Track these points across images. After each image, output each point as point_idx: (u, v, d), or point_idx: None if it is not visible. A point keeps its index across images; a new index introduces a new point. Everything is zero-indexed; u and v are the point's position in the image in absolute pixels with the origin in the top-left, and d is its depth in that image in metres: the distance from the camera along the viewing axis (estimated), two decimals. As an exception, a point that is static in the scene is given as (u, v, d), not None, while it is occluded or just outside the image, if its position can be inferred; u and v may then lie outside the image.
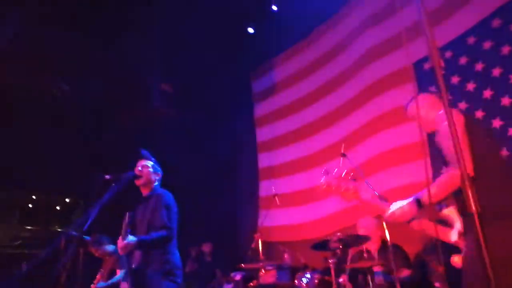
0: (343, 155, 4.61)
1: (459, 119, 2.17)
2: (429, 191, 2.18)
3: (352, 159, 4.69)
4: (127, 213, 3.22)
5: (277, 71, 7.88)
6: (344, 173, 2.52)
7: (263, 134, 7.91)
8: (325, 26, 7.09)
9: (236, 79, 8.13)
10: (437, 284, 3.94)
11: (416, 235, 4.67)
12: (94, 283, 4.62)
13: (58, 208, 7.94)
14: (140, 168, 3.69)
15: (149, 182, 3.67)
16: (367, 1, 6.29)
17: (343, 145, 4.67)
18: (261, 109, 8.09)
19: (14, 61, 6.21)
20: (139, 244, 3.19)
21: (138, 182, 3.68)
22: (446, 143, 2.17)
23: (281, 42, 7.60)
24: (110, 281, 4.80)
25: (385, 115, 5.66)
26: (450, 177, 2.10)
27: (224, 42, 7.51)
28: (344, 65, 6.57)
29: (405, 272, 4.21)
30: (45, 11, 5.92)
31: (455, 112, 2.18)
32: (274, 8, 7.15)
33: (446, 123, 1.64)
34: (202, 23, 6.78)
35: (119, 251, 3.17)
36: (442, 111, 2.22)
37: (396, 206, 2.28)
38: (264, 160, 7.71)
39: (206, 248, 7.09)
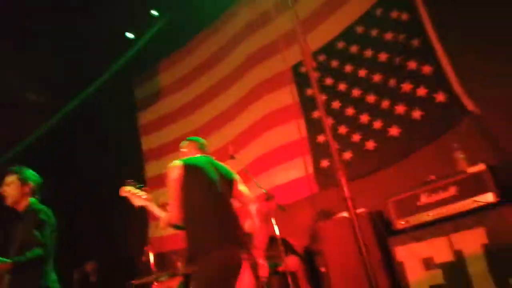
0: (232, 157, 4.68)
1: (176, 173, 2.71)
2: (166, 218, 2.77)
3: (240, 160, 4.80)
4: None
5: (161, 77, 7.71)
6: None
7: (148, 142, 7.64)
8: (205, 34, 7.16)
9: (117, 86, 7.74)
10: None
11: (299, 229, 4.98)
12: None
13: None
14: (3, 188, 3.27)
15: (17, 200, 3.26)
16: (246, 10, 6.52)
17: (230, 147, 4.74)
18: (145, 117, 7.81)
19: None
20: (11, 266, 2.86)
21: (7, 203, 3.27)
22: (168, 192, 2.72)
23: (164, 48, 7.45)
24: None
25: (268, 116, 5.90)
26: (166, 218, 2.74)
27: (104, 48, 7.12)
28: (227, 71, 6.70)
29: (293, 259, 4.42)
30: None
31: (177, 167, 2.74)
32: (155, 13, 7.02)
33: (171, 178, 2.63)
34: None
35: None
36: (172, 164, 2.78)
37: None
38: (151, 169, 7.44)
39: (89, 267, 6.55)
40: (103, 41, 6.78)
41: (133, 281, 5.63)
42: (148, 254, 5.43)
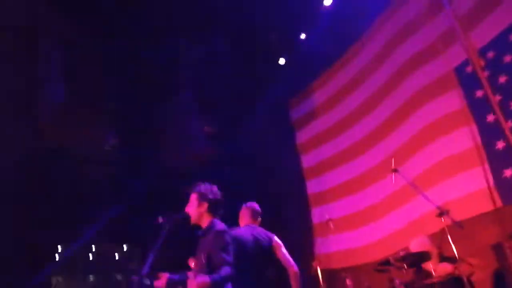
0: (395, 170, 4.48)
1: None
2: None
3: (405, 173, 4.55)
4: (201, 253, 3.16)
5: (315, 96, 7.86)
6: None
7: (308, 160, 7.82)
8: (356, 46, 7.08)
9: (274, 110, 8.21)
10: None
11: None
12: None
13: (116, 256, 8.15)
14: (187, 207, 3.59)
15: (197, 218, 3.49)
16: (397, 15, 6.25)
17: (393, 161, 4.55)
18: (303, 136, 8.04)
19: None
20: (211, 284, 2.99)
21: (191, 222, 3.63)
22: None
23: (316, 67, 7.64)
24: None
25: (433, 125, 5.46)
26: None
27: (257, 76, 7.70)
28: (382, 81, 6.47)
29: None
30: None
31: None
32: (303, 36, 7.30)
33: None
34: (233, 60, 7.00)
35: None
36: None
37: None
38: (313, 186, 7.58)
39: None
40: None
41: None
42: (317, 269, 5.50)
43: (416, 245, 4.34)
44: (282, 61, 7.75)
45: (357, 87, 6.93)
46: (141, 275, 3.59)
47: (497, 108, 4.55)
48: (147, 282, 4.39)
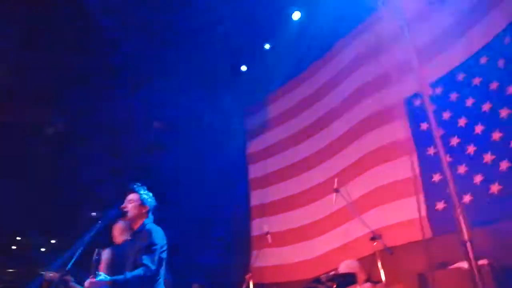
0: (336, 190, 4.55)
1: None
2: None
3: (345, 194, 4.62)
4: (96, 249, 3.06)
5: (271, 108, 7.90)
6: None
7: (255, 170, 7.81)
8: (316, 65, 7.19)
9: (229, 117, 8.16)
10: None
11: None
12: None
13: (42, 249, 7.70)
14: (125, 203, 3.55)
15: (135, 217, 3.49)
16: (357, 41, 6.41)
17: (336, 181, 4.61)
18: (254, 146, 8.03)
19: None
20: (112, 284, 2.96)
21: (124, 219, 3.54)
22: None
23: (274, 79, 7.68)
24: None
25: (377, 151, 5.62)
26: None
27: (218, 80, 7.63)
28: (336, 102, 6.60)
29: None
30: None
31: None
32: (267, 46, 7.33)
33: None
34: (195, 61, 6.88)
35: (86, 285, 2.95)
36: None
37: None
38: (256, 197, 7.57)
39: None
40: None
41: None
42: (249, 283, 5.44)
43: (345, 267, 4.40)
44: (244, 68, 7.73)
45: (311, 106, 7.04)
46: (64, 270, 3.40)
47: (439, 142, 4.73)
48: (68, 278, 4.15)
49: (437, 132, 4.79)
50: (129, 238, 3.56)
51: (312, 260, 6.07)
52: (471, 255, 1.92)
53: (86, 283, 2.94)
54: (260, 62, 7.47)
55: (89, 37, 6.11)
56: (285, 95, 7.65)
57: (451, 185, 2.21)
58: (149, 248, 3.18)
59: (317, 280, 4.14)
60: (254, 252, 6.86)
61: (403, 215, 4.97)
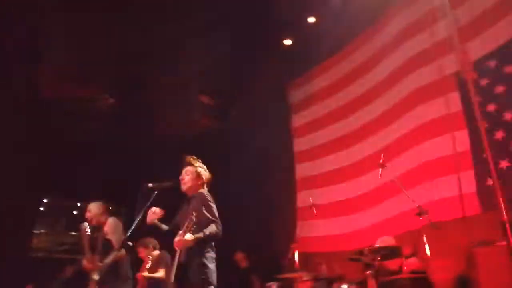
0: (382, 165, 4.57)
1: None
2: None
3: (391, 169, 4.64)
4: (192, 214, 3.33)
5: (315, 82, 7.88)
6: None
7: (301, 144, 7.90)
8: (360, 38, 7.07)
9: (274, 91, 8.23)
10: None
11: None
12: (140, 273, 5.17)
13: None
14: (182, 175, 3.83)
15: (191, 188, 3.79)
16: (402, 16, 6.23)
17: (382, 156, 4.63)
18: (299, 120, 8.10)
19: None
20: (195, 241, 3.34)
21: (182, 189, 3.82)
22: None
23: (319, 53, 7.62)
24: (152, 275, 5.30)
25: (425, 125, 5.53)
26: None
27: (261, 54, 7.66)
28: (382, 75, 6.50)
29: None
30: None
31: None
32: (311, 20, 7.23)
33: None
34: (239, 35, 6.92)
35: (176, 246, 3.33)
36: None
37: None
38: (302, 170, 7.70)
39: (238, 257, 7.18)
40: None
41: (278, 275, 5.90)
42: (294, 252, 5.65)
43: (381, 242, 4.49)
44: (288, 42, 7.69)
45: (357, 79, 6.97)
46: (125, 236, 3.75)
47: (478, 116, 4.60)
48: (129, 244, 4.53)
49: (489, 107, 4.77)
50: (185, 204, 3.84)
51: (356, 233, 6.18)
52: (509, 234, 1.96)
53: (176, 240, 3.33)
54: (304, 36, 7.41)
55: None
56: (330, 69, 7.60)
57: (491, 160, 2.22)
58: (209, 207, 3.56)
59: (360, 252, 4.27)
60: (300, 223, 7.07)
61: (451, 191, 4.93)
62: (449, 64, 5.28)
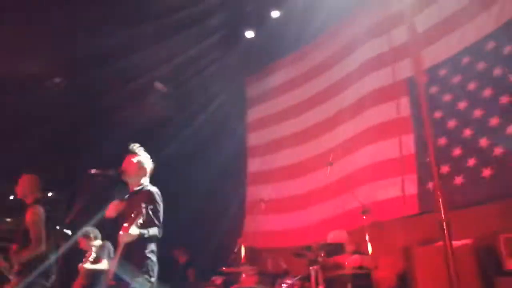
0: (331, 164, 4.66)
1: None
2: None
3: (340, 168, 4.74)
4: (141, 207, 3.22)
5: (273, 77, 7.88)
6: None
7: (254, 139, 7.91)
8: (322, 37, 7.12)
9: (232, 84, 8.16)
10: None
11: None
12: (82, 264, 5.04)
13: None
14: (126, 164, 3.66)
15: (135, 177, 3.64)
16: (364, 17, 6.36)
17: (331, 155, 4.71)
18: (254, 114, 8.09)
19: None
20: (139, 236, 3.22)
21: (124, 178, 3.66)
22: None
23: (279, 49, 7.63)
24: (95, 266, 5.12)
25: (375, 128, 5.69)
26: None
27: (222, 46, 7.57)
28: (338, 76, 6.61)
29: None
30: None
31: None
32: (275, 14, 7.20)
33: None
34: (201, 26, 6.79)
35: (121, 238, 3.19)
36: None
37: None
38: (253, 165, 7.70)
39: (177, 252, 7.12)
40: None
41: (223, 269, 5.86)
42: (241, 246, 5.64)
43: (333, 237, 4.57)
44: (250, 34, 7.60)
45: (314, 78, 7.05)
46: (64, 224, 3.55)
47: (427, 125, 4.78)
48: (67, 232, 4.30)
49: (433, 114, 4.97)
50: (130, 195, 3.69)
51: (303, 229, 6.26)
52: (446, 234, 2.05)
53: (121, 231, 3.18)
54: (267, 30, 7.38)
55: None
56: (288, 66, 7.63)
57: (433, 164, 2.33)
58: (155, 210, 3.43)
59: (307, 247, 4.32)
60: (248, 218, 7.07)
61: (394, 192, 5.11)
62: (403, 70, 5.44)
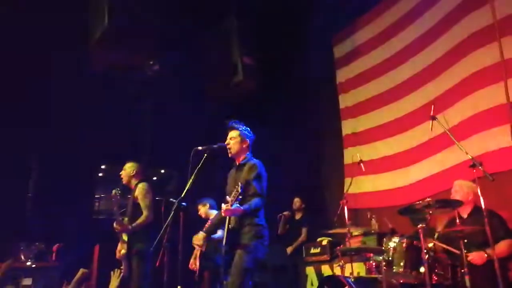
0: (433, 118, 4.40)
1: None
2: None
3: (443, 122, 4.48)
4: (240, 184, 3.42)
5: (360, 33, 7.53)
6: None
7: (346, 100, 7.73)
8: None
9: (318, 46, 8.03)
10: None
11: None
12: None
13: (154, 178, 8.65)
14: (227, 141, 3.91)
15: (238, 152, 3.89)
16: None
17: (432, 107, 4.46)
18: (344, 75, 7.86)
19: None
20: (243, 213, 3.46)
21: (229, 154, 3.92)
22: None
23: (361, 4, 7.29)
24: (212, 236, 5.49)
25: (478, 73, 5.22)
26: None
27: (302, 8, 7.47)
28: (430, 25, 6.11)
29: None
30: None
31: None
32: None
33: None
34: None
35: (224, 212, 3.48)
36: None
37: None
38: (348, 127, 7.57)
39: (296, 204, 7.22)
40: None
41: (329, 231, 5.95)
42: (344, 208, 5.69)
43: (455, 187, 4.37)
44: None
45: (404, 29, 6.59)
46: (180, 198, 3.95)
47: None
48: (184, 204, 4.78)
49: None
50: (234, 170, 3.96)
51: (407, 187, 6.10)
52: None
53: (223, 208, 3.46)
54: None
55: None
56: (375, 19, 7.22)
57: None
58: (258, 180, 3.63)
59: (412, 206, 4.21)
60: (348, 180, 7.04)
61: (506, 141, 4.71)
62: (506, 7, 4.88)
